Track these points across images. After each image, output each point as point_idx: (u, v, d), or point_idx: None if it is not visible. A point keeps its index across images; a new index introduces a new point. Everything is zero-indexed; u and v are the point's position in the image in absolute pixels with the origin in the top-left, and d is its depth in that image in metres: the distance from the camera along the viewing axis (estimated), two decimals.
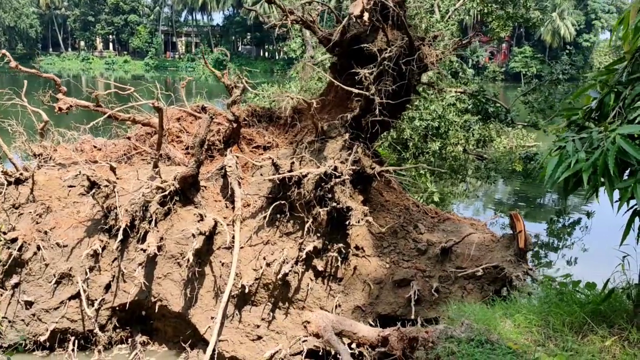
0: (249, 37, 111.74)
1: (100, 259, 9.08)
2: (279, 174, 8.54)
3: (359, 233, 9.14)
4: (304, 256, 8.69)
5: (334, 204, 8.42)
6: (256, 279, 8.70)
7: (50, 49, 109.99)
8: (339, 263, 8.80)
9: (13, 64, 9.14)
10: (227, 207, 9.59)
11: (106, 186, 9.00)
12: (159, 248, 8.90)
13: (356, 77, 8.93)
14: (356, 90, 8.37)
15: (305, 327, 8.54)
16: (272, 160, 8.50)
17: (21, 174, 9.61)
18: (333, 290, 8.74)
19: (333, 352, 8.45)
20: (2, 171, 9.41)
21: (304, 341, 8.58)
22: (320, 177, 8.49)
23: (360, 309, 8.61)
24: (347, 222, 8.80)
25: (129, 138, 10.61)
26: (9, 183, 9.63)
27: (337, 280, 8.84)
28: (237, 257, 8.72)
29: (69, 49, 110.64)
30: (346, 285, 8.79)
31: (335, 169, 8.46)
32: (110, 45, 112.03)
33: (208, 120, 8.80)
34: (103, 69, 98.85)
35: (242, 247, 8.84)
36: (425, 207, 10.27)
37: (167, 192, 8.93)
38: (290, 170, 8.65)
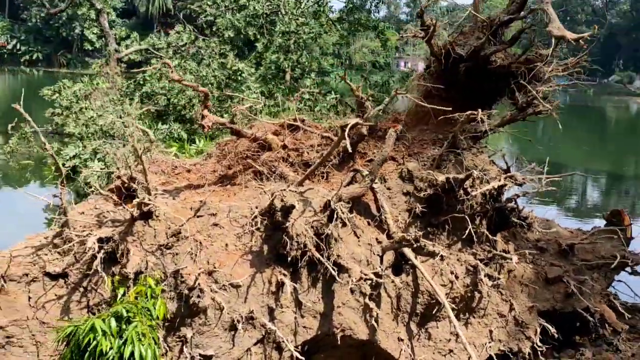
0: None
1: (280, 295, 8.08)
2: (472, 187, 8.64)
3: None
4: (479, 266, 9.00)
5: (519, 213, 8.91)
6: (446, 294, 8.71)
7: None
8: (501, 268, 9.29)
9: (174, 76, 7.49)
10: (369, 224, 9.25)
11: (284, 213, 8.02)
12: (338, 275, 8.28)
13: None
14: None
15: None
16: (472, 173, 8.54)
17: (150, 206, 7.92)
18: (504, 295, 9.20)
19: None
20: (139, 202, 7.65)
21: (489, 346, 8.93)
22: (494, 189, 8.87)
23: (532, 309, 9.24)
24: (504, 228, 9.40)
25: (245, 157, 9.33)
26: (135, 219, 7.88)
27: (500, 285, 9.31)
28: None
29: None
30: (509, 289, 9.32)
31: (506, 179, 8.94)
32: None
33: (394, 136, 8.47)
34: None
35: None
36: None
37: (344, 214, 8.34)
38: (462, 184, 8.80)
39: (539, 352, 8.89)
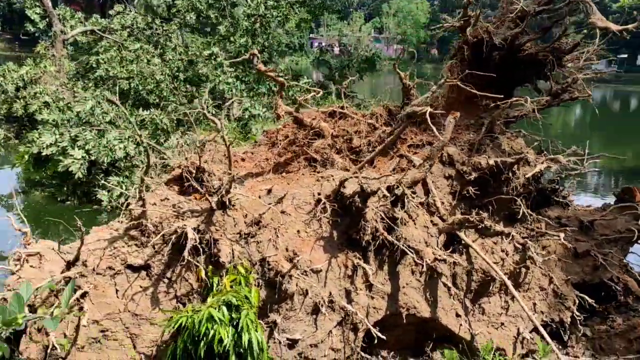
0: None
1: (355, 278, 8.37)
2: (518, 170, 9.18)
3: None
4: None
5: (560, 193, 9.55)
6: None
7: None
8: (537, 244, 9.95)
9: (261, 67, 7.51)
10: (417, 208, 9.64)
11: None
12: (402, 257, 8.68)
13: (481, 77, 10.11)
14: None
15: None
16: (525, 157, 9.07)
17: (231, 195, 7.99)
18: (543, 270, 9.86)
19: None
20: (224, 192, 7.70)
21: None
22: (540, 171, 9.48)
23: (568, 281, 9.95)
24: (542, 207, 10.04)
25: (301, 145, 9.45)
26: (215, 208, 7.92)
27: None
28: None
29: None
30: (546, 264, 9.99)
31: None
32: None
33: (453, 123, 8.84)
34: None
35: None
36: None
37: (414, 199, 8.71)
38: (510, 166, 9.35)
39: (578, 321, 9.63)
